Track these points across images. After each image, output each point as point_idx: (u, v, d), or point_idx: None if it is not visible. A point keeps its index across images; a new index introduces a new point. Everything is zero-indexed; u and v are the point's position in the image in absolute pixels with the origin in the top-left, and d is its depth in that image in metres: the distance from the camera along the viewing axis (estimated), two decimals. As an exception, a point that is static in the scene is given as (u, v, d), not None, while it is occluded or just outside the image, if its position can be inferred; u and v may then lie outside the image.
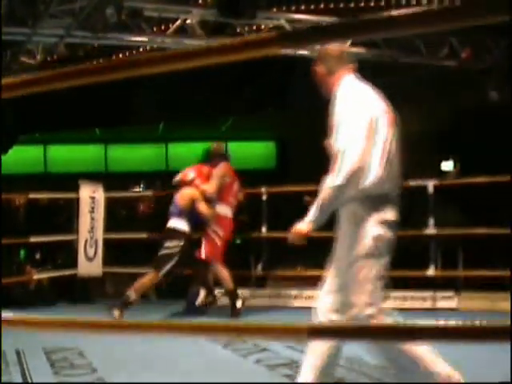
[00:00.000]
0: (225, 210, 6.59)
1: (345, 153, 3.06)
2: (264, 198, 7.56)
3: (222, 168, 6.57)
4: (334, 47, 3.39)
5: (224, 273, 6.48)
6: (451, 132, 12.25)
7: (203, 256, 6.48)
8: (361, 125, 3.12)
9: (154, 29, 8.04)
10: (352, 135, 3.09)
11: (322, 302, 3.23)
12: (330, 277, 3.28)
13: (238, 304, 6.42)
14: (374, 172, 3.14)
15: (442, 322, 1.47)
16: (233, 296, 6.46)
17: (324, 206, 3.17)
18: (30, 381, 3.96)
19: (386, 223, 3.17)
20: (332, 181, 3.11)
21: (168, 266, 6.29)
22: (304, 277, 8.00)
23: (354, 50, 9.03)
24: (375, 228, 3.14)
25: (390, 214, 3.20)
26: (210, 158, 6.70)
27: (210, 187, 6.43)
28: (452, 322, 1.39)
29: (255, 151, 14.76)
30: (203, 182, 6.51)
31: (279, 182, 7.98)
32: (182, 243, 6.34)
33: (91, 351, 4.77)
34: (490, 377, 3.57)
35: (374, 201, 3.16)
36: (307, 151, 11.97)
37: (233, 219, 6.71)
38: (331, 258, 3.28)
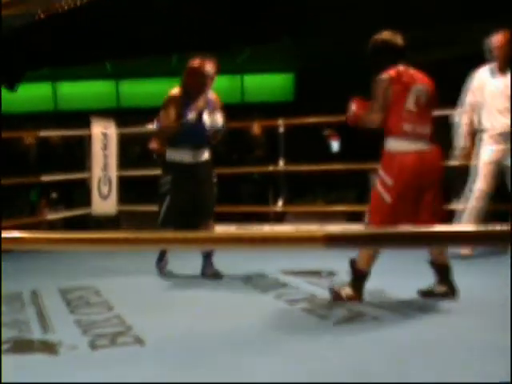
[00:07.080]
0: None
1: None
2: (281, 130, 7.26)
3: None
4: None
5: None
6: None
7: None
8: None
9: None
10: None
11: None
12: None
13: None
14: None
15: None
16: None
17: None
18: (46, 320, 3.83)
19: None
20: None
21: None
22: (324, 211, 7.81)
23: None
24: None
25: None
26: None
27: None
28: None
29: (272, 84, 14.40)
30: None
31: (297, 115, 7.66)
32: None
33: (107, 290, 4.63)
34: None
35: None
36: (326, 83, 11.63)
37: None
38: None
